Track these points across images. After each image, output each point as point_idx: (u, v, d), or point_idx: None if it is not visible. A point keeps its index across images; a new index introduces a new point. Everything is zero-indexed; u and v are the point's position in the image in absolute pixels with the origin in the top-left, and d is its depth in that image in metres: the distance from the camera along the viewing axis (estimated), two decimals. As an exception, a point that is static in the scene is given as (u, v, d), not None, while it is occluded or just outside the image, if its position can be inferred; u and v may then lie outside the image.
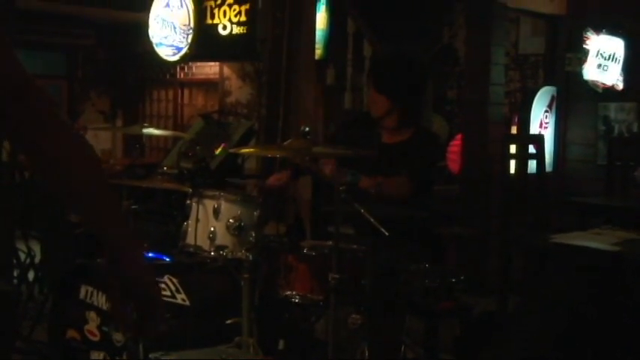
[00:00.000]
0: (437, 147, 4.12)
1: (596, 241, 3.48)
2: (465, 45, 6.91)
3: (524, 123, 6.85)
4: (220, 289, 3.72)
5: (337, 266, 3.03)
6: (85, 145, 1.44)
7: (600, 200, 5.97)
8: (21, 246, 5.21)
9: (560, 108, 6.97)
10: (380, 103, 3.76)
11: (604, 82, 6.59)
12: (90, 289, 3.53)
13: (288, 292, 3.28)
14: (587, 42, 6.50)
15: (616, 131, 6.71)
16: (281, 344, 3.34)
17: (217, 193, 3.34)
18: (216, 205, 3.30)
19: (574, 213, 5.64)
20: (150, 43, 7.83)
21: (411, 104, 3.81)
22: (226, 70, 9.40)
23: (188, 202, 3.42)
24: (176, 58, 7.73)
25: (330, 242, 3.09)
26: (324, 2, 7.09)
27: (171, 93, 10.38)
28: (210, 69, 9.69)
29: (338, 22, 7.16)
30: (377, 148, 3.72)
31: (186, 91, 10.26)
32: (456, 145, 6.93)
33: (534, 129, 6.78)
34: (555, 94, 6.97)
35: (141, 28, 8.09)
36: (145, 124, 4.62)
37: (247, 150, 4.47)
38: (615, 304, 3.16)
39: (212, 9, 7.39)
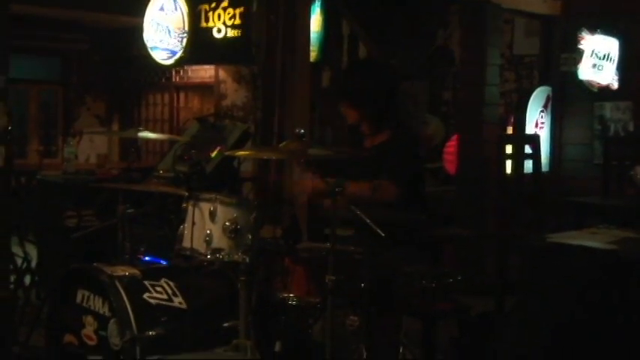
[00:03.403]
0: (414, 146, 3.96)
1: (593, 240, 3.48)
2: (459, 46, 6.92)
3: (520, 123, 6.86)
4: (217, 292, 3.71)
5: (334, 268, 3.03)
6: None
7: (596, 199, 5.98)
8: (17, 251, 5.20)
9: (556, 108, 6.97)
10: (348, 112, 3.82)
11: (599, 81, 6.60)
12: (86, 293, 3.52)
13: (285, 295, 3.28)
14: (582, 42, 6.51)
15: (612, 130, 6.72)
16: (278, 347, 3.33)
17: (213, 196, 3.34)
18: (212, 208, 3.29)
19: (570, 212, 5.64)
20: (144, 46, 7.82)
21: (381, 109, 3.80)
22: (222, 73, 9.41)
23: (184, 205, 3.42)
24: (171, 61, 7.72)
25: (327, 244, 3.09)
26: (319, 4, 7.09)
27: (166, 96, 10.38)
28: (205, 72, 9.69)
29: (333, 25, 7.16)
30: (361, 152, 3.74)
31: (181, 95, 10.26)
32: (451, 145, 6.94)
33: (530, 129, 6.79)
34: (551, 94, 6.97)
35: (135, 32, 8.09)
36: (141, 128, 4.61)
37: (243, 153, 4.47)
38: (611, 302, 3.16)
39: (206, 12, 7.38)
